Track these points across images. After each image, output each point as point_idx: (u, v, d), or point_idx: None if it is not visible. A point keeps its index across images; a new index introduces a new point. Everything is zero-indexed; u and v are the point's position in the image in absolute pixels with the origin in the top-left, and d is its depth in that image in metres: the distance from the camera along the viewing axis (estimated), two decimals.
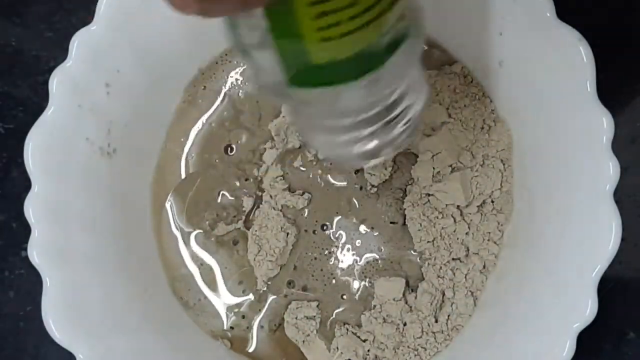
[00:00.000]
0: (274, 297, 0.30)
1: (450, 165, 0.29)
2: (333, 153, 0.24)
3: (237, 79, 0.32)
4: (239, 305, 0.30)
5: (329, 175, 0.31)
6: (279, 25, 0.16)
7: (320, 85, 0.18)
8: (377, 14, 0.16)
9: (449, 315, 0.29)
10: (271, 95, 0.19)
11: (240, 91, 0.32)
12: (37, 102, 0.33)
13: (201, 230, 0.31)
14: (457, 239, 0.29)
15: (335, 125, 0.21)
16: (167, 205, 0.31)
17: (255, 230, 0.30)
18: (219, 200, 0.31)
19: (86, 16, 0.26)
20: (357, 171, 0.31)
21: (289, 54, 0.17)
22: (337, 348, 0.29)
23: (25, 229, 0.25)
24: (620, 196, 0.24)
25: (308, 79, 0.18)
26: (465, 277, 0.29)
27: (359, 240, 0.30)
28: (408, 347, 0.29)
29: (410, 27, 0.18)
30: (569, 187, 0.25)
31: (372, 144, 0.22)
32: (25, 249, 0.25)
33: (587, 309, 0.23)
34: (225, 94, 0.32)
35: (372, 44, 0.17)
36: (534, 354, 0.25)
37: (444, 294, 0.29)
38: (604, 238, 0.23)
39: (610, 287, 0.30)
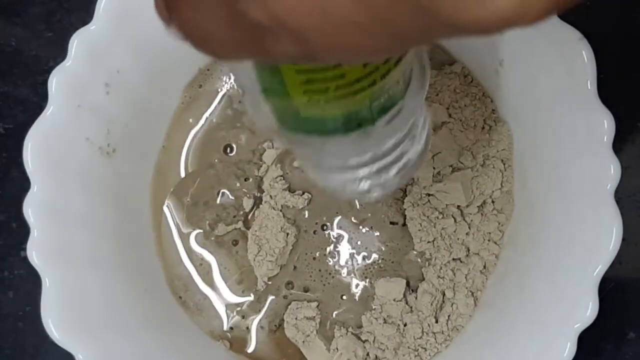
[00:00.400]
0: (274, 297, 0.30)
1: (451, 165, 0.29)
2: (327, 187, 0.24)
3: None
4: (238, 305, 0.30)
5: None
6: (268, 81, 0.16)
7: (309, 133, 0.17)
8: (367, 85, 0.15)
9: (449, 316, 0.29)
10: (265, 131, 0.19)
11: (240, 91, 0.32)
12: (37, 102, 0.33)
13: (201, 230, 0.31)
14: (458, 239, 0.29)
15: (327, 165, 0.21)
16: (167, 205, 0.31)
17: (255, 231, 0.30)
18: (219, 200, 0.31)
19: (86, 16, 0.26)
20: None
21: (277, 104, 0.17)
22: (337, 349, 0.29)
23: (25, 229, 0.25)
24: (621, 196, 0.24)
25: (297, 127, 0.17)
26: (466, 278, 0.29)
27: (359, 241, 0.30)
28: (408, 347, 0.29)
29: (409, 88, 0.18)
30: (569, 187, 0.25)
31: (365, 185, 0.22)
32: (25, 249, 0.25)
33: (587, 310, 0.23)
34: (224, 93, 0.32)
35: (362, 108, 0.16)
36: (534, 354, 0.25)
37: (444, 295, 0.29)
38: (605, 238, 0.23)
39: (610, 287, 0.30)
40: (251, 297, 0.30)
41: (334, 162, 0.21)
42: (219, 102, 0.32)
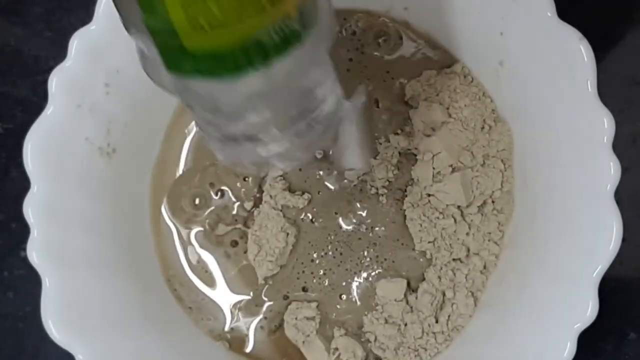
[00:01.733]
0: (274, 297, 0.30)
1: (451, 165, 0.29)
2: (226, 158, 0.22)
3: None
4: (238, 305, 0.30)
5: (328, 176, 0.31)
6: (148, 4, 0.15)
7: (196, 75, 0.16)
8: (253, 11, 0.15)
9: (449, 316, 0.29)
10: (154, 80, 0.18)
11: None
12: (37, 102, 0.33)
13: (201, 230, 0.31)
14: (458, 239, 0.29)
15: (224, 127, 0.20)
16: (166, 205, 0.31)
17: (255, 230, 0.30)
18: (219, 200, 0.31)
19: (85, 16, 0.26)
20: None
21: (160, 35, 0.16)
22: (337, 349, 0.29)
23: (25, 229, 0.25)
24: (621, 196, 0.24)
25: (183, 66, 0.16)
26: (466, 278, 0.29)
27: (359, 241, 0.30)
28: (408, 347, 0.29)
29: (310, 32, 0.17)
30: (569, 187, 0.25)
31: (263, 152, 0.20)
32: (25, 249, 0.25)
33: (588, 310, 0.23)
34: None
35: (250, 40, 0.15)
36: (534, 354, 0.25)
37: (444, 295, 0.29)
38: (605, 238, 0.23)
39: (610, 287, 0.30)
40: (251, 297, 0.30)
41: (231, 126, 0.19)
42: None
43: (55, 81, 0.26)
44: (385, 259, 0.30)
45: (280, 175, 0.30)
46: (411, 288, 0.30)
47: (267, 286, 0.30)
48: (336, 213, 0.30)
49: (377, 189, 0.30)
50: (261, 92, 0.17)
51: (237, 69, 0.16)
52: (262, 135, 0.20)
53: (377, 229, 0.30)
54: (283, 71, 0.17)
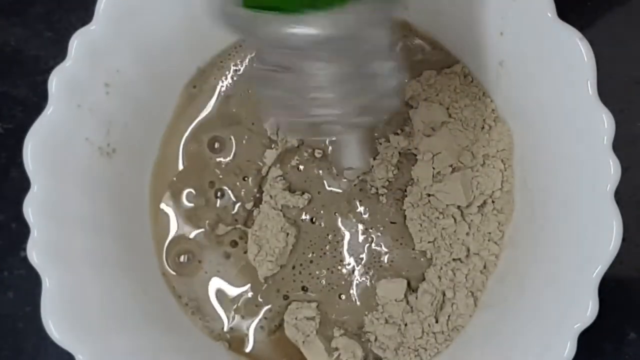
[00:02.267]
0: (274, 297, 0.30)
1: (451, 165, 0.29)
2: (284, 119, 0.23)
3: (236, 79, 0.32)
4: (238, 305, 0.30)
5: (328, 176, 0.31)
6: None
7: (265, 8, 0.17)
8: None
9: (449, 316, 0.29)
10: (220, 18, 0.18)
11: (240, 91, 0.32)
12: (37, 102, 0.33)
13: (201, 230, 0.31)
14: (458, 239, 0.29)
15: (281, 81, 0.20)
16: (166, 205, 0.31)
17: (255, 230, 0.30)
18: (219, 200, 0.31)
19: (86, 16, 0.26)
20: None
21: None
22: (337, 349, 0.29)
23: (25, 229, 0.25)
24: (621, 196, 0.23)
25: None
26: (466, 278, 0.29)
27: (358, 241, 0.30)
28: (408, 347, 0.29)
29: None
30: (569, 187, 0.25)
31: (318, 111, 0.21)
32: (25, 249, 0.25)
33: (587, 310, 0.23)
34: (224, 93, 0.32)
35: None
36: (534, 355, 0.25)
37: (444, 295, 0.29)
38: (605, 238, 0.23)
39: (611, 287, 0.30)
40: (251, 297, 0.30)
41: (291, 80, 0.20)
42: (219, 102, 0.32)
43: (55, 81, 0.26)
44: (385, 259, 0.30)
45: (280, 175, 0.31)
46: (411, 288, 0.30)
47: (267, 286, 0.30)
48: (336, 213, 0.30)
49: (377, 189, 0.30)
50: (327, 37, 0.17)
51: (305, 6, 0.17)
52: (317, 92, 0.20)
53: (377, 228, 0.30)
54: (344, 21, 0.17)
